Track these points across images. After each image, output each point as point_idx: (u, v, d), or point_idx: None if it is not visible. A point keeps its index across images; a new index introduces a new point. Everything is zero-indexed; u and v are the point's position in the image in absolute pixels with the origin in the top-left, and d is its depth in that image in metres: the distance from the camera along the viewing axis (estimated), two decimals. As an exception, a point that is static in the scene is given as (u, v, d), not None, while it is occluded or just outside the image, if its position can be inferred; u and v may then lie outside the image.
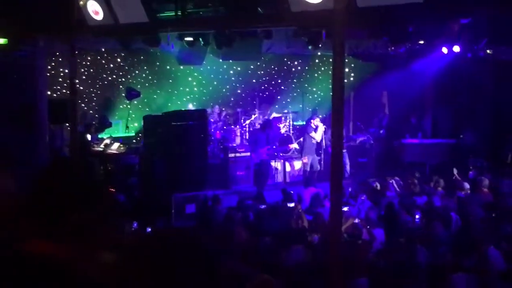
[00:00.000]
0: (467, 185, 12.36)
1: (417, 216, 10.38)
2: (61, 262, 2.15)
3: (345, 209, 10.45)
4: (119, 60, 16.59)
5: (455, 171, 13.46)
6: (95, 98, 16.31)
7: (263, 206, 11.87)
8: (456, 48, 13.35)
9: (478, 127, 17.80)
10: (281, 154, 16.40)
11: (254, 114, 17.14)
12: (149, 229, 9.60)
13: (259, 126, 16.02)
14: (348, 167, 16.28)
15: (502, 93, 17.61)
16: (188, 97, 17.67)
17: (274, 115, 17.57)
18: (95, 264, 2.20)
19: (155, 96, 17.12)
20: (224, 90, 18.50)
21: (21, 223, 2.30)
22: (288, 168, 16.32)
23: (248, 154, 15.13)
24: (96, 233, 2.33)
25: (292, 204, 11.33)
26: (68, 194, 2.35)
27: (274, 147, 15.52)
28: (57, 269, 2.13)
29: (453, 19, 8.65)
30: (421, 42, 13.20)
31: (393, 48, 14.89)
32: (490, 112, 18.09)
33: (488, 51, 14.56)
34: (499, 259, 8.13)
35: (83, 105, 15.62)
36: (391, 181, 12.99)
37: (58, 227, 2.27)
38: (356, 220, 9.59)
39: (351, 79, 19.45)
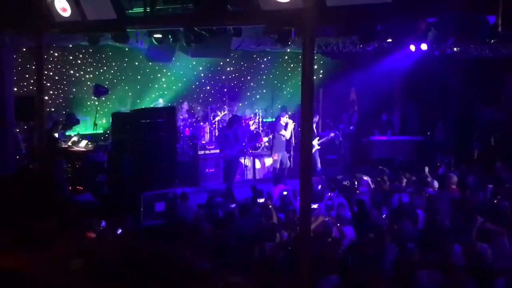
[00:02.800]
0: (436, 183, 12.51)
1: (384, 215, 10.48)
2: (24, 273, 2.11)
3: (315, 206, 10.50)
4: (87, 56, 16.41)
5: (426, 169, 13.58)
6: (62, 95, 16.11)
7: (233, 205, 11.87)
8: (424, 46, 13.48)
9: (445, 124, 18.05)
10: (250, 151, 16.41)
11: (223, 111, 17.12)
12: (119, 230, 9.53)
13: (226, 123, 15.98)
14: (318, 164, 16.37)
15: (468, 90, 17.90)
16: (157, 93, 17.57)
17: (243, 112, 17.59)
18: (60, 273, 2.17)
19: (123, 93, 16.98)
20: (193, 86, 18.44)
21: None
22: (257, 165, 16.34)
23: (218, 151, 15.11)
24: (58, 241, 2.29)
25: (262, 200, 11.35)
26: (29, 203, 2.32)
27: (243, 144, 15.50)
28: (21, 281, 2.10)
29: (420, 18, 8.74)
30: (389, 40, 13.30)
31: (361, 46, 14.99)
32: (457, 109, 18.36)
33: (455, 49, 14.77)
34: (461, 255, 8.26)
35: (50, 102, 15.42)
36: (365, 178, 13.06)
37: (19, 238, 2.23)
38: (326, 218, 9.63)
39: (320, 76, 19.54)
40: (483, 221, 9.28)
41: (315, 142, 16.30)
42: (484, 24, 9.10)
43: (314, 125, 16.51)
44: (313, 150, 16.29)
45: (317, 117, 16.75)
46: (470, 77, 17.62)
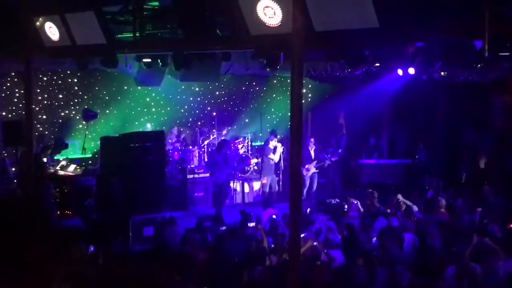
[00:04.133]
0: (415, 208, 12.50)
1: (374, 238, 10.47)
2: None
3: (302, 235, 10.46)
4: (75, 80, 16.39)
5: (399, 196, 13.41)
6: (51, 119, 16.06)
7: (222, 228, 11.83)
8: (411, 70, 13.60)
9: (432, 147, 18.14)
10: (239, 175, 16.40)
11: (213, 135, 17.13)
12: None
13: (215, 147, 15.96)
14: (314, 188, 16.40)
15: (456, 113, 18.03)
16: (146, 117, 17.55)
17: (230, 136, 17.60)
18: None
19: (112, 117, 16.95)
20: (182, 110, 18.44)
21: None
22: (246, 189, 16.32)
23: (207, 175, 15.07)
24: (46, 266, 2.29)
25: (252, 224, 11.31)
26: (17, 229, 2.32)
27: (233, 167, 15.49)
28: None
29: (408, 43, 8.84)
30: (377, 64, 13.43)
31: (349, 70, 15.11)
32: (445, 132, 18.47)
33: (442, 73, 14.89)
34: (454, 278, 8.25)
35: (38, 126, 15.37)
36: (355, 202, 13.04)
37: (6, 264, 2.23)
38: (315, 243, 9.61)
39: (309, 100, 19.63)
40: (478, 240, 9.31)
41: (313, 165, 16.33)
42: (470, 48, 9.21)
43: (313, 149, 16.55)
44: (310, 174, 16.33)
45: (313, 140, 16.78)
46: (457, 100, 17.76)
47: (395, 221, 11.46)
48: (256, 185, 16.33)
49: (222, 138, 16.50)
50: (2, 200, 10.14)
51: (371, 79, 16.71)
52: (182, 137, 17.14)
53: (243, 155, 16.99)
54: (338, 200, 14.46)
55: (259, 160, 16.53)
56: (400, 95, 17.57)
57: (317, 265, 8.94)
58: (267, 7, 7.03)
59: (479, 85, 16.33)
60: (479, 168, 17.75)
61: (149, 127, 16.82)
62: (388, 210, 12.62)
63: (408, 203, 12.67)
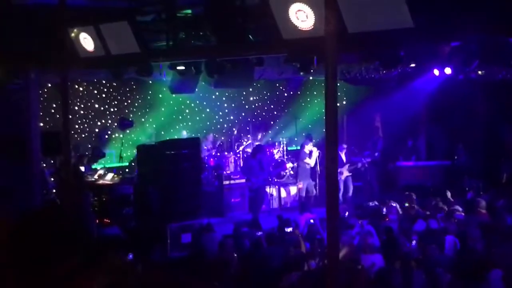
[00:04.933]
0: (459, 207, 12.33)
1: (413, 241, 10.33)
2: None
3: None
4: (111, 90, 16.59)
5: (448, 193, 13.42)
6: (88, 129, 16.26)
7: (259, 233, 11.79)
8: (448, 70, 13.39)
9: (472, 147, 17.84)
10: (275, 180, 16.36)
11: (248, 141, 17.13)
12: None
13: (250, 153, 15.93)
14: (350, 192, 16.29)
15: (494, 113, 17.72)
16: (181, 125, 17.66)
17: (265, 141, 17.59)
18: None
19: (148, 125, 17.10)
20: (217, 117, 18.51)
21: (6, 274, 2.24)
22: (283, 194, 16.27)
23: (243, 181, 15.06)
24: (85, 277, 2.27)
25: (289, 229, 11.23)
26: (55, 238, 2.30)
27: (268, 172, 15.46)
28: None
29: (443, 42, 8.70)
30: (413, 65, 13.25)
31: (384, 71, 14.95)
32: (484, 132, 18.16)
33: (479, 72, 14.64)
34: (499, 281, 8.08)
35: (75, 136, 15.57)
36: (394, 205, 12.89)
37: (45, 274, 2.21)
38: (354, 247, 9.52)
39: (344, 103, 19.50)
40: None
41: (345, 169, 16.22)
42: (508, 46, 9.04)
43: (344, 152, 16.44)
44: (344, 177, 16.21)
45: (345, 145, 16.69)
46: (496, 99, 17.45)
47: (434, 223, 11.30)
48: (293, 190, 16.27)
49: (257, 143, 16.49)
50: (41, 211, 10.21)
51: (406, 80, 16.50)
52: (217, 143, 17.19)
53: (279, 160, 16.94)
54: (376, 203, 14.30)
55: (295, 164, 16.47)
56: (437, 95, 17.34)
57: (357, 269, 8.85)
58: (299, 10, 6.98)
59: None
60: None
61: (185, 134, 16.91)
62: (428, 213, 12.44)
63: (453, 203, 12.58)
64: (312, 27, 6.93)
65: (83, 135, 16.18)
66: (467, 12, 6.07)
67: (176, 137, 16.60)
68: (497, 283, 8.06)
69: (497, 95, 17.19)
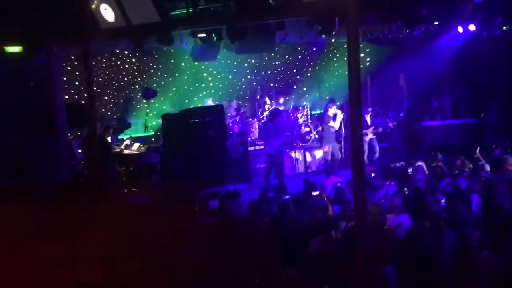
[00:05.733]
0: (487, 167, 12.23)
1: (443, 200, 10.30)
2: None
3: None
4: (134, 60, 16.63)
5: (477, 151, 13.30)
6: (112, 100, 16.37)
7: (286, 197, 11.85)
8: (472, 27, 13.18)
9: (498, 105, 17.63)
10: (300, 144, 16.36)
11: (272, 106, 17.10)
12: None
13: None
14: (377, 154, 16.23)
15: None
16: (204, 92, 17.68)
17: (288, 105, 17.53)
18: None
19: (171, 94, 17.14)
20: (240, 83, 18.48)
21: None
22: (308, 158, 16.28)
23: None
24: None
25: (316, 192, 11.23)
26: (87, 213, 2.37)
27: (287, 136, 15.47)
28: None
29: (466, -1, 8.56)
30: (436, 23, 13.05)
31: (407, 31, 14.77)
32: (508, 88, 17.89)
33: (504, 28, 14.38)
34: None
35: (101, 107, 15.68)
36: (421, 164, 12.82)
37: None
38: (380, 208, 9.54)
39: (367, 64, 19.32)
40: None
41: (370, 131, 16.14)
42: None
43: (369, 115, 16.35)
44: (368, 139, 16.15)
45: (370, 108, 16.58)
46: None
47: (462, 182, 11.24)
48: (318, 154, 16.26)
49: (273, 107, 16.44)
50: (72, 182, 10.43)
51: (430, 39, 16.27)
52: (241, 110, 17.18)
53: (303, 124, 16.90)
54: (403, 164, 14.24)
55: (320, 128, 16.45)
56: (461, 53, 17.08)
57: (383, 230, 8.88)
58: (319, -28, 6.91)
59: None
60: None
61: (210, 102, 16.86)
62: (456, 171, 12.36)
63: (482, 160, 12.47)
64: (333, -12, 6.87)
65: (108, 106, 16.29)
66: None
67: (200, 105, 16.63)
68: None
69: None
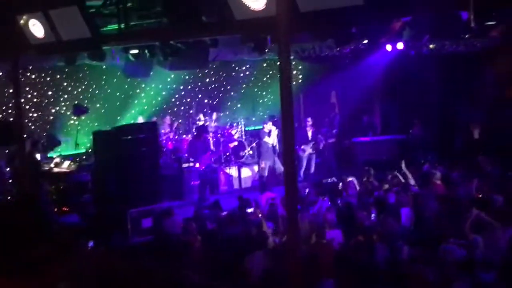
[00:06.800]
0: (412, 181, 12.55)
1: (373, 214, 10.49)
2: None
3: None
4: (64, 76, 16.31)
5: (402, 164, 13.57)
6: (42, 117, 16.00)
7: (223, 213, 11.83)
8: (400, 45, 13.56)
9: (426, 120, 18.14)
10: (235, 160, 16.38)
11: (206, 123, 17.07)
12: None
13: (194, 134, 15.80)
14: (312, 169, 16.41)
15: (447, 86, 18.04)
16: (137, 109, 17.49)
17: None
18: None
19: (103, 111, 16.89)
20: (173, 100, 18.40)
21: None
22: (243, 174, 16.30)
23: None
24: (47, 266, 2.28)
25: (251, 209, 11.26)
26: (21, 230, 2.30)
27: (214, 152, 15.53)
28: None
29: (394, 18, 8.80)
30: (365, 41, 13.37)
31: (338, 49, 15.07)
32: (437, 105, 18.47)
33: (430, 46, 14.87)
34: (456, 251, 8.27)
35: (30, 124, 15.31)
36: (351, 179, 13.04)
37: (12, 263, 2.21)
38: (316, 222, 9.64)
39: (300, 81, 19.60)
40: (477, 213, 9.33)
41: (308, 147, 16.33)
42: (457, 20, 9.19)
43: (311, 130, 16.55)
44: (306, 154, 16.33)
45: (311, 121, 16.75)
46: (448, 73, 17.77)
47: (392, 197, 11.48)
48: (253, 170, 16.31)
49: (201, 123, 16.39)
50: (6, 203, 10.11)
51: (360, 57, 16.67)
52: (175, 126, 17.08)
53: (238, 141, 16.95)
54: (334, 180, 14.46)
55: (254, 144, 16.54)
56: (391, 70, 17.56)
57: (322, 244, 8.98)
58: (251, -10, 6.97)
59: (468, 55, 16.32)
60: (473, 139, 17.77)
61: (141, 120, 16.68)
62: (387, 186, 12.62)
63: (408, 174, 12.75)
64: (264, 7, 6.93)
65: (38, 124, 15.91)
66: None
67: (132, 121, 16.45)
68: (452, 253, 8.26)
69: (450, 69, 17.50)
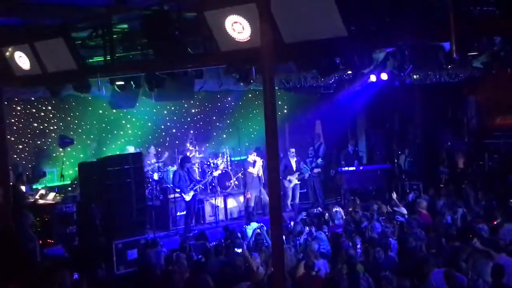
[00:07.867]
0: (404, 210, 12.62)
1: (358, 245, 10.50)
2: None
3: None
4: (50, 108, 16.27)
5: (394, 195, 13.69)
6: (27, 148, 15.92)
7: (210, 244, 11.79)
8: (384, 76, 13.71)
9: (411, 150, 18.27)
10: (220, 191, 16.32)
11: (191, 153, 17.04)
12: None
13: (178, 164, 15.75)
14: (297, 200, 16.40)
15: (431, 115, 18.22)
16: (122, 140, 17.45)
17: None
18: None
19: (89, 142, 16.84)
20: (159, 130, 18.37)
21: None
22: (229, 205, 16.24)
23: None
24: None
25: (239, 250, 11.04)
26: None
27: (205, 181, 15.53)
28: None
29: (377, 49, 8.91)
30: (349, 72, 13.50)
31: (322, 79, 15.20)
32: (422, 134, 18.63)
33: (414, 76, 15.04)
34: (442, 280, 8.29)
35: (15, 156, 15.21)
36: (338, 210, 13.06)
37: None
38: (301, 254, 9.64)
39: (285, 111, 19.66)
40: (466, 242, 9.40)
41: (294, 177, 16.35)
42: (440, 50, 9.33)
43: (294, 160, 16.58)
44: (292, 185, 16.34)
45: (293, 151, 16.81)
46: (432, 103, 17.97)
47: (378, 226, 11.51)
48: (239, 200, 16.26)
49: (187, 153, 16.35)
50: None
51: (344, 87, 16.84)
52: (164, 157, 17.01)
53: (223, 171, 16.91)
54: (320, 210, 14.49)
55: (240, 174, 16.54)
56: (375, 100, 17.69)
57: (311, 276, 8.97)
58: (235, 22, 7.05)
59: (451, 85, 16.54)
60: (457, 167, 17.91)
61: (131, 150, 16.48)
62: (373, 216, 12.65)
63: (399, 204, 12.87)
64: (249, 38, 7.01)
65: (23, 155, 15.81)
66: (397, 18, 6.25)
67: (118, 152, 16.38)
68: (439, 282, 8.28)
69: (433, 99, 17.71)
